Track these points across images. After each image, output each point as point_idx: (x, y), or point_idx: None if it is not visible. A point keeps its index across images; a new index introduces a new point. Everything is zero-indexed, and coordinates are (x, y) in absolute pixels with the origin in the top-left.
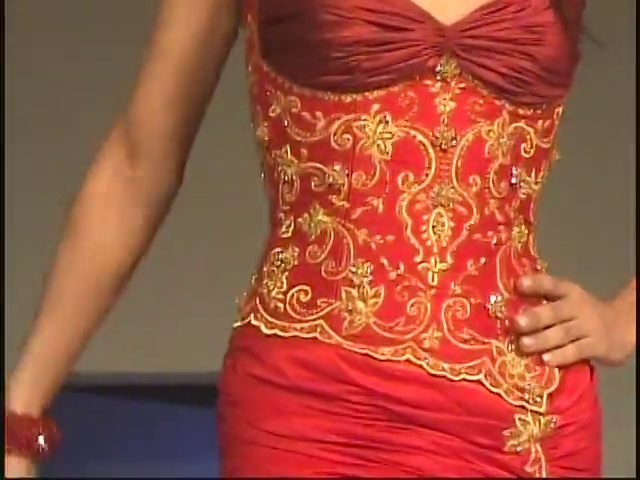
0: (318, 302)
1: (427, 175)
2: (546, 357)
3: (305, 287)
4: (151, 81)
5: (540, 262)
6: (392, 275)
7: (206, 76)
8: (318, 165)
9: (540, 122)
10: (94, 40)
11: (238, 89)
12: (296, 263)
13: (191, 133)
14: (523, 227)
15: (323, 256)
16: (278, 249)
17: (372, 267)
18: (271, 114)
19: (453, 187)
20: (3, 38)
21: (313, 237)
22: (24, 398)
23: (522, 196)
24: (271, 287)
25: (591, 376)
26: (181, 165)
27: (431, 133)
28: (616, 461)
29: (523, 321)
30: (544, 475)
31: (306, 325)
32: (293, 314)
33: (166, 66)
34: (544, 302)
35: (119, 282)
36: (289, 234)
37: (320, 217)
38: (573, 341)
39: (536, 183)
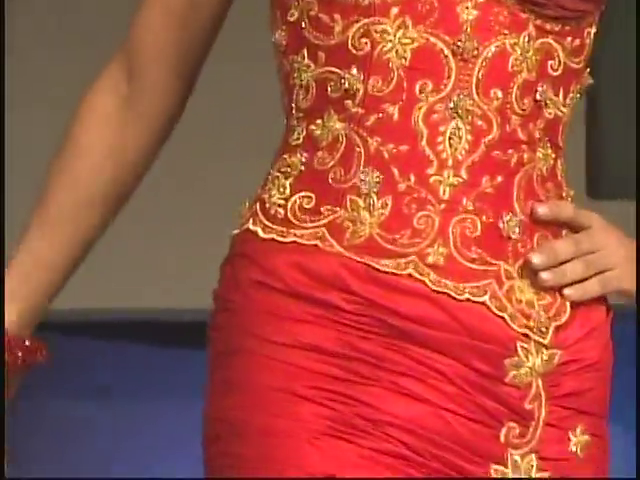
0: (322, 209)
1: (446, 85)
2: (567, 292)
3: (309, 194)
4: (154, 3)
5: (567, 189)
6: (402, 186)
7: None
8: (334, 69)
9: (569, 39)
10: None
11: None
12: (302, 169)
13: (194, 61)
14: (550, 150)
15: (332, 163)
16: (286, 155)
17: (381, 177)
18: (289, 18)
19: (472, 99)
20: (3, 39)
21: (324, 143)
22: None
23: (548, 116)
24: (273, 192)
25: (607, 315)
26: (182, 92)
27: (452, 41)
28: None
29: (537, 259)
30: (543, 413)
31: (307, 232)
32: (294, 220)
33: None
34: (563, 231)
35: (111, 201)
36: (300, 140)
37: (333, 123)
38: (597, 274)
39: (565, 105)
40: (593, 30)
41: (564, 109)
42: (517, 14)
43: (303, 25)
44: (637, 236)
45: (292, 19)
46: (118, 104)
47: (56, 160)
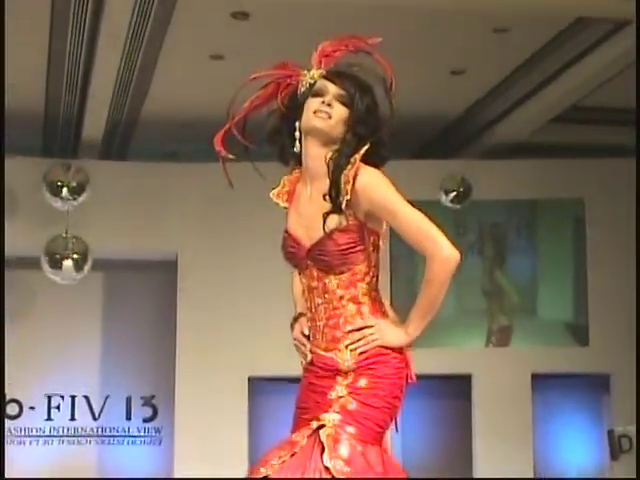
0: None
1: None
2: (352, 346)
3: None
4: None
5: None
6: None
7: None
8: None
9: (341, 276)
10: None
11: None
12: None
13: None
14: (352, 304)
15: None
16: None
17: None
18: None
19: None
20: (3, 41)
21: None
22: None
23: (343, 295)
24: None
25: (387, 353)
26: None
27: (310, 283)
28: None
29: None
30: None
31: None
32: None
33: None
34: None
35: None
36: None
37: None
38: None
39: (348, 292)
40: (354, 269)
41: (348, 294)
42: (324, 273)
43: None
44: (637, 243)
45: None
46: (298, 280)
47: (294, 286)
